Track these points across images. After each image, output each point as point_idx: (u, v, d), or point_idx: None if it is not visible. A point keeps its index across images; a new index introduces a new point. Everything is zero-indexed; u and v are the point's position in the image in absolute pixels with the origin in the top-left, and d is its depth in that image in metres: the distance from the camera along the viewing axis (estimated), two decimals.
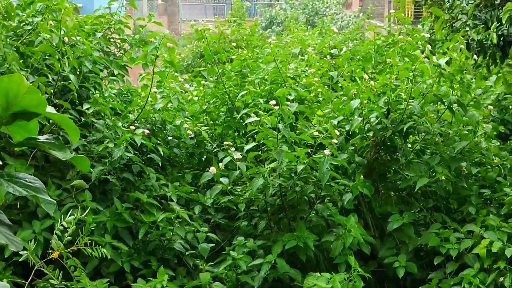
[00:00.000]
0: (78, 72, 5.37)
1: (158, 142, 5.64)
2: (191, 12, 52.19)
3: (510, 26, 6.74)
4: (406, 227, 5.27)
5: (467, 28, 7.38)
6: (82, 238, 3.96)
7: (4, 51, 4.84)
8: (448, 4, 7.97)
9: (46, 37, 5.12)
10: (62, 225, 3.91)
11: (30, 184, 1.51)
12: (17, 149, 4.26)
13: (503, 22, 6.79)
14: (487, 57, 7.25)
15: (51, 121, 4.55)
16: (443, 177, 5.27)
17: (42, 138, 1.54)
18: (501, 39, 7.00)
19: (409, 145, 5.80)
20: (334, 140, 4.95)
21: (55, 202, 1.56)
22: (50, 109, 1.49)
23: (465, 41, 5.82)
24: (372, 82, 5.31)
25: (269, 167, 4.95)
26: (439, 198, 5.69)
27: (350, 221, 5.02)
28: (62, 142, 1.55)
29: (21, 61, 5.11)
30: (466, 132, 5.68)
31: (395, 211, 5.43)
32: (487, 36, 6.88)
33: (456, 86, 5.42)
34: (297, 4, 35.02)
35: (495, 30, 6.72)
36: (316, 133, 4.99)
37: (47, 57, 5.28)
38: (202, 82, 6.61)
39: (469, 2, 7.89)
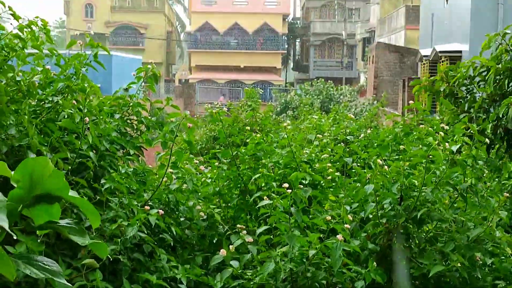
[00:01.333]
0: (95, 151, 5.45)
1: (171, 222, 5.64)
2: (207, 95, 53.19)
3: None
4: None
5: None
6: None
7: (27, 125, 4.95)
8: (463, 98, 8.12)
9: (69, 112, 5.24)
10: None
11: (47, 267, 1.51)
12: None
13: (500, 115, 6.94)
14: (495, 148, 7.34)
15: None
16: (458, 264, 5.20)
17: (63, 222, 1.56)
18: (499, 131, 7.15)
19: (422, 232, 5.74)
20: (347, 225, 4.92)
21: (71, 286, 1.56)
22: (72, 193, 1.51)
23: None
24: (386, 167, 5.33)
25: (281, 251, 4.92)
26: (454, 286, 5.58)
27: None
28: (82, 227, 1.57)
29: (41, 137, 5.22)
30: (480, 218, 5.64)
31: None
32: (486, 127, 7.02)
33: (469, 172, 5.43)
34: (311, 90, 35.66)
35: (490, 121, 6.88)
36: (329, 218, 4.98)
37: (65, 135, 5.38)
38: (216, 164, 6.67)
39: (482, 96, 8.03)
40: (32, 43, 5.53)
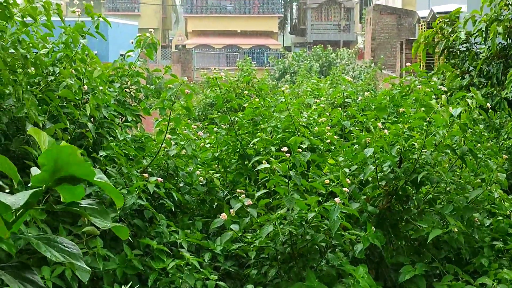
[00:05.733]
0: (93, 120, 5.44)
1: (171, 187, 5.66)
2: (204, 60, 52.88)
3: None
4: (418, 278, 5.21)
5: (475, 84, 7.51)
6: None
7: (23, 97, 4.93)
8: (463, 55, 8.07)
9: (69, 82, 5.22)
10: None
11: (67, 249, 1.50)
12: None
13: (508, 89, 6.93)
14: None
15: None
16: (455, 229, 5.24)
17: (84, 203, 1.54)
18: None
19: (421, 195, 5.77)
20: (345, 189, 4.94)
21: (90, 270, 1.56)
22: (98, 177, 1.50)
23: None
24: (386, 131, 5.33)
25: (280, 214, 4.94)
26: (451, 249, 5.64)
27: (359, 271, 4.97)
28: (104, 208, 1.55)
29: (39, 108, 5.19)
30: (479, 180, 5.66)
31: (407, 262, 5.37)
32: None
33: (468, 136, 5.43)
34: (310, 55, 35.42)
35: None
36: (327, 182, 4.99)
37: (65, 104, 5.37)
38: (215, 129, 6.67)
39: (481, 53, 7.99)
40: (39, 22, 5.47)
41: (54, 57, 5.52)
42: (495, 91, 7.49)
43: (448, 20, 8.46)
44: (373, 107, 6.67)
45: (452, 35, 8.14)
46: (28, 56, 5.12)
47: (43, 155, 1.44)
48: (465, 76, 7.96)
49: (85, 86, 5.30)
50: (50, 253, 1.46)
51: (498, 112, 7.80)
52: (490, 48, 7.75)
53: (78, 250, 1.52)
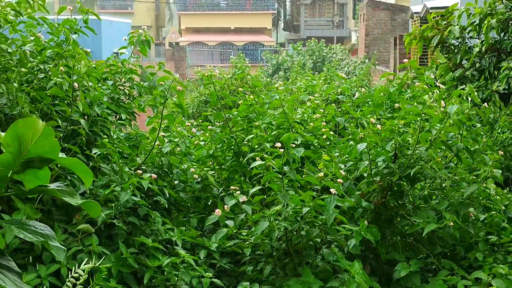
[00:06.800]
0: (86, 117, 5.43)
1: (165, 184, 5.66)
2: (198, 57, 52.83)
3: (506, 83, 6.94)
4: (413, 275, 5.22)
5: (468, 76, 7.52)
6: (93, 286, 3.94)
7: (16, 95, 4.92)
8: (456, 49, 8.09)
9: (58, 81, 5.21)
10: (76, 273, 3.88)
11: (40, 231, 1.52)
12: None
13: (502, 83, 6.95)
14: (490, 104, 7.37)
15: (58, 165, 4.59)
16: (451, 223, 5.25)
17: (52, 185, 1.56)
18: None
19: (416, 190, 5.78)
20: (340, 180, 4.94)
21: (65, 248, 1.57)
22: (60, 155, 1.51)
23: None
24: (379, 126, 5.33)
25: (275, 210, 4.94)
26: (446, 244, 5.65)
27: (354, 267, 4.97)
28: (73, 189, 1.57)
29: (32, 105, 5.19)
30: (474, 177, 5.67)
31: (402, 258, 5.38)
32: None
33: (464, 133, 5.44)
34: (304, 50, 35.44)
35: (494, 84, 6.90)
36: (321, 175, 4.99)
37: (56, 102, 5.36)
38: (209, 127, 6.67)
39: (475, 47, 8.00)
40: (26, 12, 5.46)
41: (44, 54, 5.50)
42: (488, 84, 7.52)
43: (443, 15, 8.48)
44: (370, 103, 6.67)
45: (445, 30, 8.15)
46: (10, 50, 5.11)
47: (7, 133, 1.44)
48: (458, 69, 7.98)
49: (76, 84, 5.28)
50: (24, 235, 1.48)
51: (492, 107, 7.82)
52: (483, 42, 7.77)
53: (51, 231, 1.54)
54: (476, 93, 5.70)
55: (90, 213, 1.63)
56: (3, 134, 1.49)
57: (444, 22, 8.28)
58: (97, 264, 3.97)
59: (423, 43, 8.39)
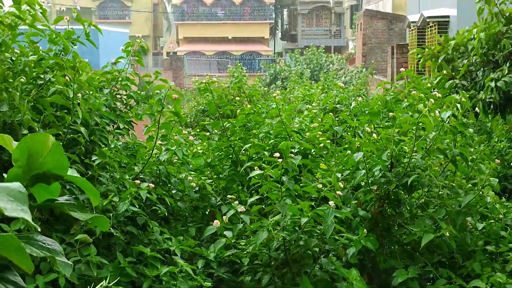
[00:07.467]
0: (85, 127, 5.44)
1: (164, 193, 5.66)
2: (196, 67, 52.87)
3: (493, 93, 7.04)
4: (411, 282, 5.21)
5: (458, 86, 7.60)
6: None
7: (19, 103, 4.94)
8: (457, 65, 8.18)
9: (59, 88, 5.23)
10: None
11: (47, 246, 1.52)
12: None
13: (488, 93, 7.05)
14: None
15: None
16: (447, 234, 5.25)
17: (61, 199, 1.56)
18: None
19: (413, 199, 5.78)
20: (339, 192, 4.95)
21: (71, 264, 1.57)
22: (71, 172, 1.51)
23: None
24: (374, 135, 5.34)
25: (273, 220, 4.95)
26: (444, 252, 5.65)
27: (352, 274, 4.97)
28: (82, 203, 1.57)
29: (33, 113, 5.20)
30: (470, 185, 5.68)
31: (400, 266, 5.38)
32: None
33: (459, 139, 5.46)
34: (302, 59, 35.49)
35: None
36: (320, 186, 5.00)
37: (57, 112, 5.37)
38: (207, 135, 6.67)
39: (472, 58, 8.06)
40: (28, 22, 5.47)
41: (46, 65, 5.52)
42: (476, 93, 7.61)
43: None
44: (367, 112, 6.68)
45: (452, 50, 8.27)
46: (14, 59, 5.13)
47: (17, 148, 1.44)
48: (453, 79, 8.06)
49: (79, 95, 5.30)
50: (31, 250, 1.48)
51: (490, 117, 7.87)
52: (475, 54, 7.87)
53: (59, 247, 1.54)
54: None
55: (100, 227, 1.63)
56: (15, 143, 1.50)
57: (452, 43, 8.39)
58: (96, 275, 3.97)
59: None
